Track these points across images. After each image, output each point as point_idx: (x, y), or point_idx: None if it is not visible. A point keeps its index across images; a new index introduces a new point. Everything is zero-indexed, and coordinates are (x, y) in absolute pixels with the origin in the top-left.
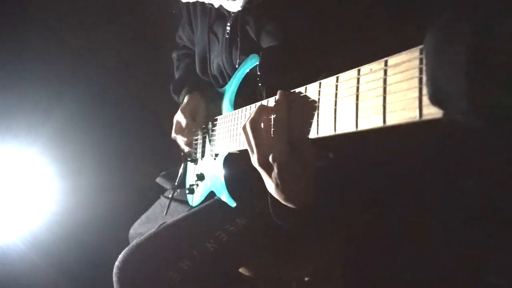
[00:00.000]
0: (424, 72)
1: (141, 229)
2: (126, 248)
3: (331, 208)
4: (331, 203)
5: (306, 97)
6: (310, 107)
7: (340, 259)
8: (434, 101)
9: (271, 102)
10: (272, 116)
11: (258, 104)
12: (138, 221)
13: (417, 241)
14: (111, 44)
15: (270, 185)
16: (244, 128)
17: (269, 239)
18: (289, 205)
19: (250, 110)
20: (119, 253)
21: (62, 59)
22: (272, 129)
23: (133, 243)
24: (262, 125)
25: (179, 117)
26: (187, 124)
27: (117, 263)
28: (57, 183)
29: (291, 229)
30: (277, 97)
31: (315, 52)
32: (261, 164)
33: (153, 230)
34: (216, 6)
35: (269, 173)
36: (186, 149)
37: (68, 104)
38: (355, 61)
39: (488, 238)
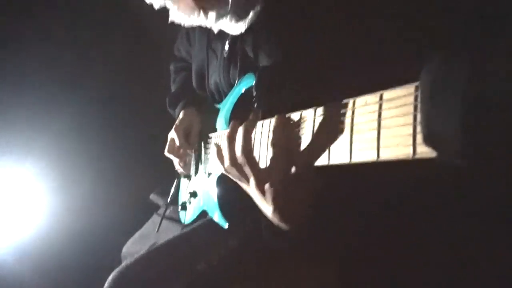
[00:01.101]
0: (418, 110)
1: (134, 248)
2: (116, 270)
3: (327, 228)
4: (327, 223)
5: (300, 123)
6: (305, 134)
7: (338, 282)
8: (428, 142)
9: (266, 123)
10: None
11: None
12: (131, 240)
13: (416, 246)
14: (107, 59)
15: (267, 209)
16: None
17: (261, 260)
18: (282, 225)
19: None
20: (112, 271)
21: (59, 72)
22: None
23: (122, 264)
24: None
25: (173, 136)
26: (180, 144)
27: (106, 284)
28: (51, 199)
29: (284, 249)
30: (273, 122)
31: (311, 76)
32: (258, 189)
33: (143, 251)
34: (216, 31)
35: (266, 198)
36: (180, 169)
37: (63, 118)
38: (351, 91)
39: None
